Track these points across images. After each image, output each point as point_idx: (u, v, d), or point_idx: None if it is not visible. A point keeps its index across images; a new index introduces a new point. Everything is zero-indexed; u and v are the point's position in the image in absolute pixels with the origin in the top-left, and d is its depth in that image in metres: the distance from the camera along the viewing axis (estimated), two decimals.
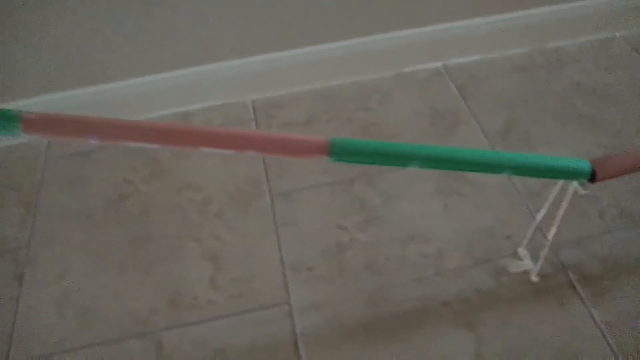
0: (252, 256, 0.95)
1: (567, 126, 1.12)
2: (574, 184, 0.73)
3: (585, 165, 0.69)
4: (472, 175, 1.04)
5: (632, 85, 1.20)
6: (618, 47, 1.29)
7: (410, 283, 0.90)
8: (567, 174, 0.69)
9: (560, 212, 0.78)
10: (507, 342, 0.82)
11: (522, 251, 0.92)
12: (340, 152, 0.65)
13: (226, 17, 1.13)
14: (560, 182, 0.77)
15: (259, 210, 1.02)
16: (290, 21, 1.17)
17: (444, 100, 1.20)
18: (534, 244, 0.91)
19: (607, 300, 0.85)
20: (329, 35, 1.20)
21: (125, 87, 1.16)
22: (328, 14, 1.18)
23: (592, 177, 0.70)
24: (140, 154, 1.12)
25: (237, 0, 1.11)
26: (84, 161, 1.13)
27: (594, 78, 1.22)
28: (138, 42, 1.11)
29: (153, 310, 0.89)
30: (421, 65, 1.27)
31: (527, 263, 0.89)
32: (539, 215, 0.84)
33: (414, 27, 1.23)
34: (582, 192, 0.71)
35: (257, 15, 1.14)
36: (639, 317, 0.83)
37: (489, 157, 0.68)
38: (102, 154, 1.13)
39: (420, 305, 0.87)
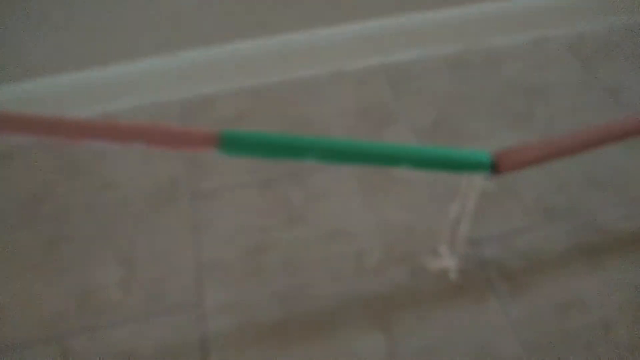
0: (167, 257, 0.92)
1: (497, 123, 1.12)
2: (479, 177, 0.72)
3: (484, 156, 0.68)
4: (397, 172, 1.02)
5: (564, 84, 1.20)
6: (552, 46, 1.29)
7: (328, 282, 0.88)
8: (467, 165, 0.67)
9: (468, 206, 0.77)
10: (421, 340, 0.80)
11: (442, 249, 0.91)
12: (231, 144, 0.62)
13: (153, 12, 1.10)
14: (470, 176, 0.76)
15: (178, 211, 0.98)
16: (222, 14, 1.14)
17: (377, 97, 1.19)
18: (457, 241, 0.91)
19: (524, 296, 0.85)
20: (263, 30, 1.18)
21: (50, 84, 1.13)
22: (262, 7, 1.16)
23: (496, 169, 0.69)
24: (59, 154, 1.08)
25: None
26: (0, 162, 1.09)
27: (527, 76, 1.22)
28: (64, 36, 1.08)
29: (61, 313, 0.85)
30: (358, 63, 1.26)
31: (446, 260, 0.88)
32: (452, 212, 0.83)
33: (349, 23, 1.22)
34: (488, 185, 0.70)
35: (187, 8, 1.12)
36: (553, 314, 0.83)
37: (386, 150, 0.66)
38: (20, 155, 1.09)
39: (337, 305, 0.85)
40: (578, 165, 1.03)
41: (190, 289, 0.87)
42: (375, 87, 1.21)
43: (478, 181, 0.71)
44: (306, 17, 1.19)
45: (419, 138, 1.09)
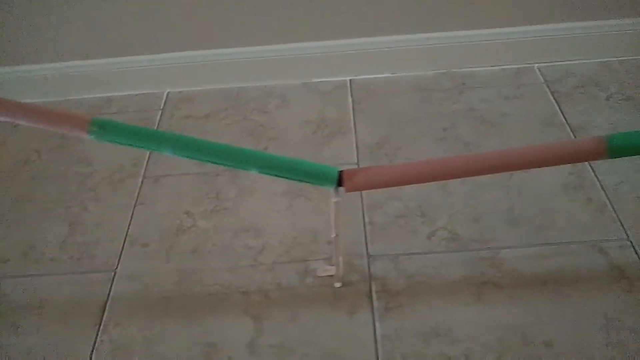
0: (104, 226, 1.05)
1: (440, 148, 1.13)
2: (330, 189, 0.76)
3: (332, 172, 0.72)
4: None
5: (526, 117, 1.17)
6: (531, 78, 1.26)
7: (223, 270, 0.95)
8: (314, 178, 0.72)
9: (332, 219, 0.80)
10: (284, 338, 0.85)
11: (335, 257, 0.94)
12: (99, 130, 0.73)
13: (148, 15, 1.25)
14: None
15: (128, 189, 1.12)
16: (208, 23, 1.27)
17: (337, 111, 1.24)
18: (357, 252, 0.94)
19: (397, 316, 0.86)
20: (244, 40, 1.29)
21: (52, 68, 1.31)
22: (243, 19, 1.26)
23: (342, 185, 0.73)
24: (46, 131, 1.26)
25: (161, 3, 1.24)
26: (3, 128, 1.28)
27: (490, 105, 1.21)
28: (66, 29, 1.27)
29: (6, 259, 1.01)
30: (329, 78, 1.32)
31: (333, 269, 0.92)
32: (332, 223, 0.86)
33: (325, 40, 1.29)
34: (335, 198, 0.74)
35: (179, 14, 1.25)
36: (418, 338, 0.83)
37: (237, 153, 0.73)
38: (16, 127, 1.28)
39: (222, 291, 0.92)
40: (505, 198, 1.02)
41: (112, 256, 1.00)
42: (339, 101, 1.26)
43: (331, 196, 0.75)
44: (285, 31, 1.28)
45: (359, 153, 1.13)
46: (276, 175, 0.72)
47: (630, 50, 1.28)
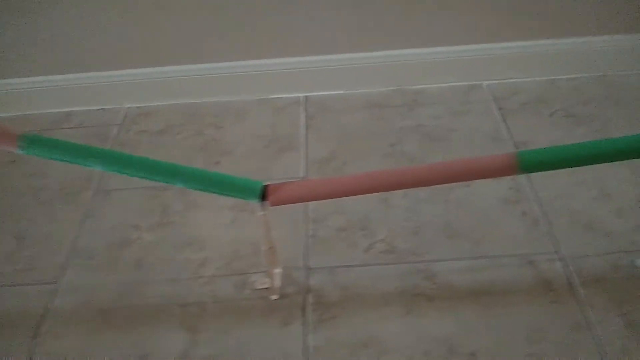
0: (51, 240, 1.06)
1: (386, 163, 1.15)
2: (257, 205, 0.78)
3: (256, 186, 0.74)
4: None
5: (472, 132, 1.20)
6: (479, 94, 1.29)
7: (164, 283, 0.97)
8: (238, 192, 0.74)
9: (262, 232, 0.82)
10: (217, 350, 0.86)
11: (276, 270, 0.96)
12: (29, 145, 0.75)
13: (108, 32, 1.28)
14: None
15: (79, 202, 1.13)
16: (168, 40, 1.30)
17: (290, 127, 1.27)
18: (297, 264, 0.96)
19: (329, 327, 0.88)
20: (202, 57, 1.32)
21: (11, 84, 1.34)
22: (202, 37, 1.29)
23: (266, 199, 0.75)
24: None
25: (119, 19, 1.27)
26: None
27: (438, 121, 1.23)
28: (25, 45, 1.29)
29: None
30: (285, 94, 1.35)
31: (270, 281, 0.93)
32: (262, 237, 0.87)
33: (282, 57, 1.32)
34: (261, 211, 0.76)
35: (139, 32, 1.28)
36: (348, 350, 0.84)
37: (164, 168, 0.75)
38: None
39: (161, 303, 0.94)
40: (445, 212, 1.03)
41: (56, 269, 1.01)
42: (293, 117, 1.29)
43: (257, 209, 0.77)
44: (243, 48, 1.31)
45: (308, 168, 1.15)
46: (202, 190, 0.74)
47: (577, 68, 1.31)
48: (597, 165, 0.97)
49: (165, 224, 1.07)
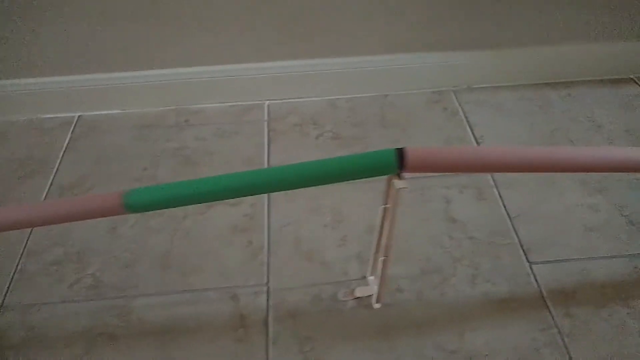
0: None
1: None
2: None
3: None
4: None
5: (231, 155, 1.13)
6: (257, 114, 1.24)
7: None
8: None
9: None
10: None
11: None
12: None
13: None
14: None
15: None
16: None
17: (48, 149, 1.18)
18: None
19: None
20: None
21: None
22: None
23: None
24: None
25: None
26: None
27: (202, 144, 1.17)
28: None
29: None
30: (59, 114, 1.27)
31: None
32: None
33: (54, 76, 1.23)
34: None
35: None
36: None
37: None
38: None
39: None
40: (168, 242, 0.97)
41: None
42: (56, 139, 1.20)
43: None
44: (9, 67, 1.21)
45: (49, 194, 1.08)
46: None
47: (358, 88, 1.28)
48: (337, 189, 0.94)
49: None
